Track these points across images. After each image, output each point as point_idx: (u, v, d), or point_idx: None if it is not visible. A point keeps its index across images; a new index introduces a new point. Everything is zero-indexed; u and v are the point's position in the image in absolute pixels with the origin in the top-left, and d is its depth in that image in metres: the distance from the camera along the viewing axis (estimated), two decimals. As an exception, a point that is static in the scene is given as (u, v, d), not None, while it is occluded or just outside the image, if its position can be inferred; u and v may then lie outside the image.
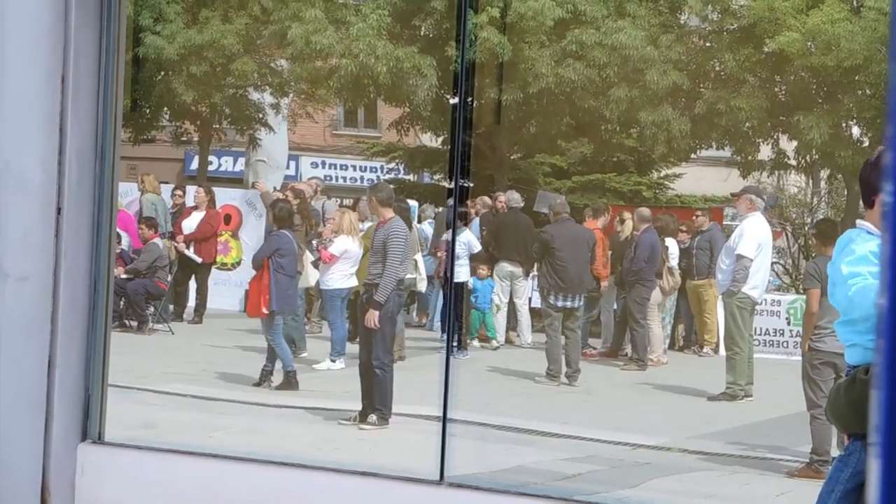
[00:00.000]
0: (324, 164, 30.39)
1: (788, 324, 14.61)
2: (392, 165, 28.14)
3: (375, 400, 10.62)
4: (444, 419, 8.21)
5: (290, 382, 13.65)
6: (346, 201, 23.43)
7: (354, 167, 30.34)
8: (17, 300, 8.57)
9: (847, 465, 4.92)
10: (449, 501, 7.95)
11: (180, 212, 21.48)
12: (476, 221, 20.47)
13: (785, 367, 12.87)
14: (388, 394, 10.71)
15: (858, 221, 5.22)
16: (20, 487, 8.61)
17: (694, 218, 19.37)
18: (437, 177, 23.82)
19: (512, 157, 23.69)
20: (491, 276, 20.64)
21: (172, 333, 17.45)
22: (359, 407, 11.09)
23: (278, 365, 14.65)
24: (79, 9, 8.76)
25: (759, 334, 11.83)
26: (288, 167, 27.65)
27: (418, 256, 18.00)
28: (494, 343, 20.73)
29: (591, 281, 17.28)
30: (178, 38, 16.75)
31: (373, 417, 10.73)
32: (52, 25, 8.63)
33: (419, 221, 22.52)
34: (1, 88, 8.77)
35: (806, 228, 21.11)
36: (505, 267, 19.46)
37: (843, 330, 5.17)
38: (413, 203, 21.15)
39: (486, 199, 20.25)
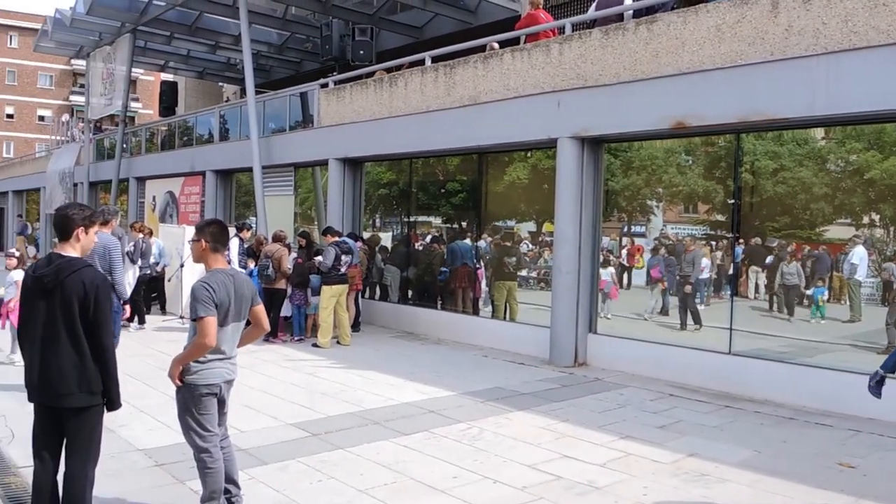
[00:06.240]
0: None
1: None
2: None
3: (694, 319, 9.51)
4: (731, 328, 8.61)
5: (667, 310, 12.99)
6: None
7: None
8: (566, 281, 9.91)
9: None
10: (732, 362, 8.48)
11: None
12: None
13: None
14: (698, 316, 9.37)
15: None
16: (567, 349, 9.88)
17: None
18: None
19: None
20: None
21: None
22: (690, 323, 9.58)
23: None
24: (587, 172, 9.88)
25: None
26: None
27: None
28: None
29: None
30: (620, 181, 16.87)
31: (695, 326, 9.58)
32: (576, 181, 9.83)
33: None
34: (560, 206, 9.93)
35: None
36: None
37: None
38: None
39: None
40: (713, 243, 9.44)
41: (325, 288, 10.85)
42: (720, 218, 9.28)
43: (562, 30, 10.40)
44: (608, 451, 6.06)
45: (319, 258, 10.98)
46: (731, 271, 8.96)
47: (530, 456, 5.88)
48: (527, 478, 5.36)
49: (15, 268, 9.25)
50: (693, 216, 9.89)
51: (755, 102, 7.94)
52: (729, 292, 8.98)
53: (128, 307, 8.01)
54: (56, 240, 3.84)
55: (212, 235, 4.31)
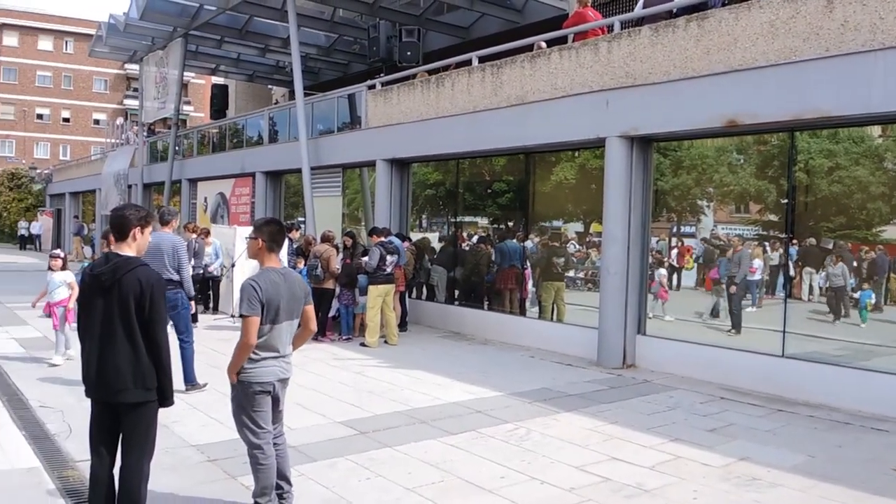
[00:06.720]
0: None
1: None
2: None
3: (733, 322, 9.26)
4: (784, 331, 8.40)
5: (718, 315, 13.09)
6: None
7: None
8: (614, 281, 9.82)
9: None
10: (786, 365, 8.27)
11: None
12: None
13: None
14: (738, 319, 9.18)
15: None
16: (615, 350, 9.79)
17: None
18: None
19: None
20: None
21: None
22: (743, 324, 9.33)
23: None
24: (636, 172, 9.73)
25: None
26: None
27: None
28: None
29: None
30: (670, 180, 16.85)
31: (733, 330, 9.30)
32: (625, 181, 9.72)
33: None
34: (608, 206, 9.83)
35: None
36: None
37: None
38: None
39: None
40: (766, 244, 9.21)
41: (371, 287, 10.94)
42: (773, 218, 9.06)
43: (610, 28, 10.33)
44: (657, 454, 6.00)
45: (366, 258, 11.06)
46: (787, 272, 8.72)
47: (578, 457, 5.86)
48: (574, 479, 5.34)
49: (61, 269, 9.31)
50: (745, 216, 9.67)
51: (809, 100, 7.79)
52: (783, 294, 8.74)
53: (193, 303, 8.22)
54: (104, 239, 3.96)
55: (269, 234, 4.39)
